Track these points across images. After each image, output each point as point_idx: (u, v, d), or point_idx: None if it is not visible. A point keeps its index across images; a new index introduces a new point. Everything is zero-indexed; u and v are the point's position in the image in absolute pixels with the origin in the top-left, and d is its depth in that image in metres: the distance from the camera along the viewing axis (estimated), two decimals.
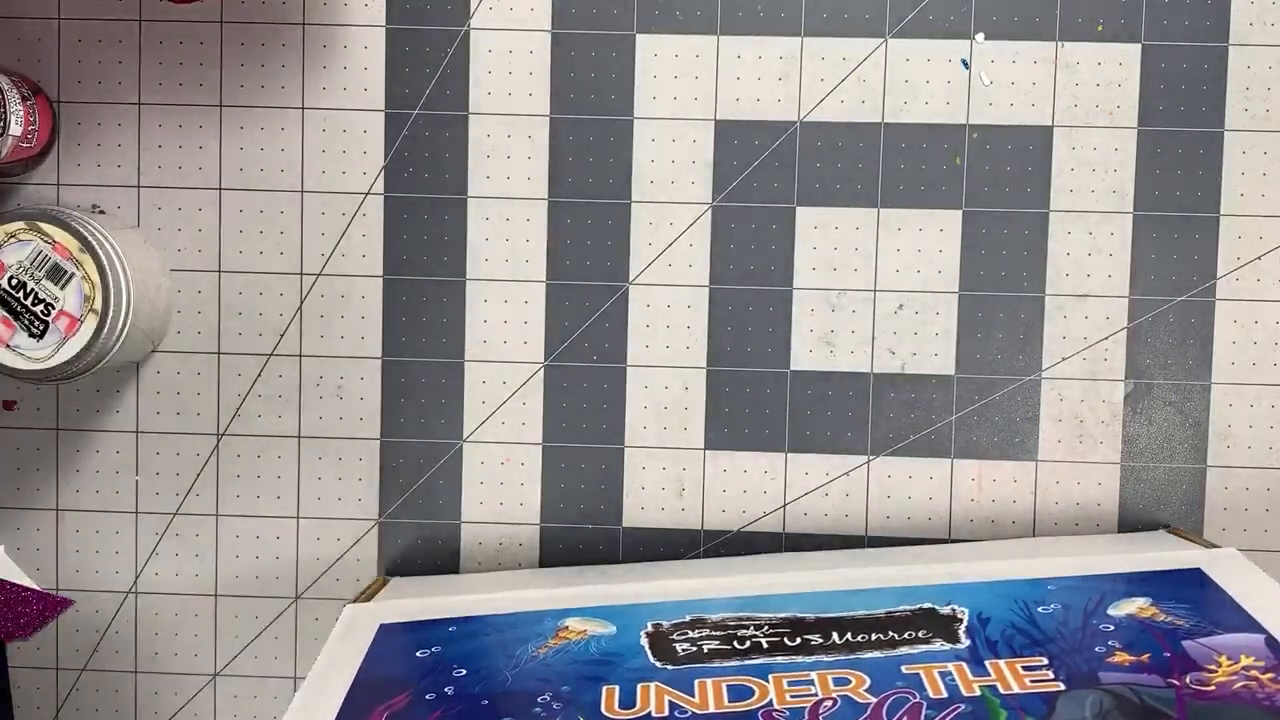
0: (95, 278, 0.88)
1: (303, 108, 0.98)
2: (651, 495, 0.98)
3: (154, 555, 0.99)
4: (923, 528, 0.98)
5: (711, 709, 0.70)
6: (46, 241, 0.88)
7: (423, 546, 0.99)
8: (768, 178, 0.97)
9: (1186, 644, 0.73)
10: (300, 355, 0.99)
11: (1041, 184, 0.97)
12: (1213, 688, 0.68)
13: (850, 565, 0.89)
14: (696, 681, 0.74)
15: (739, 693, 0.72)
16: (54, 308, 0.88)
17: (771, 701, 0.71)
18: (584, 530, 0.98)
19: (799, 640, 0.78)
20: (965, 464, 0.98)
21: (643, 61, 0.97)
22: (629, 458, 0.98)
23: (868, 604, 0.82)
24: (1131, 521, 0.97)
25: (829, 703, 0.70)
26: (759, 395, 0.98)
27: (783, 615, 0.81)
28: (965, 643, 0.76)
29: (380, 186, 0.98)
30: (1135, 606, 0.78)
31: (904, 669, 0.73)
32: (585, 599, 0.85)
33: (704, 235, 0.98)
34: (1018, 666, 0.73)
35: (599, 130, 0.97)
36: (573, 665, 0.76)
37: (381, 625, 0.83)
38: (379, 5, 0.98)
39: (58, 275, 0.88)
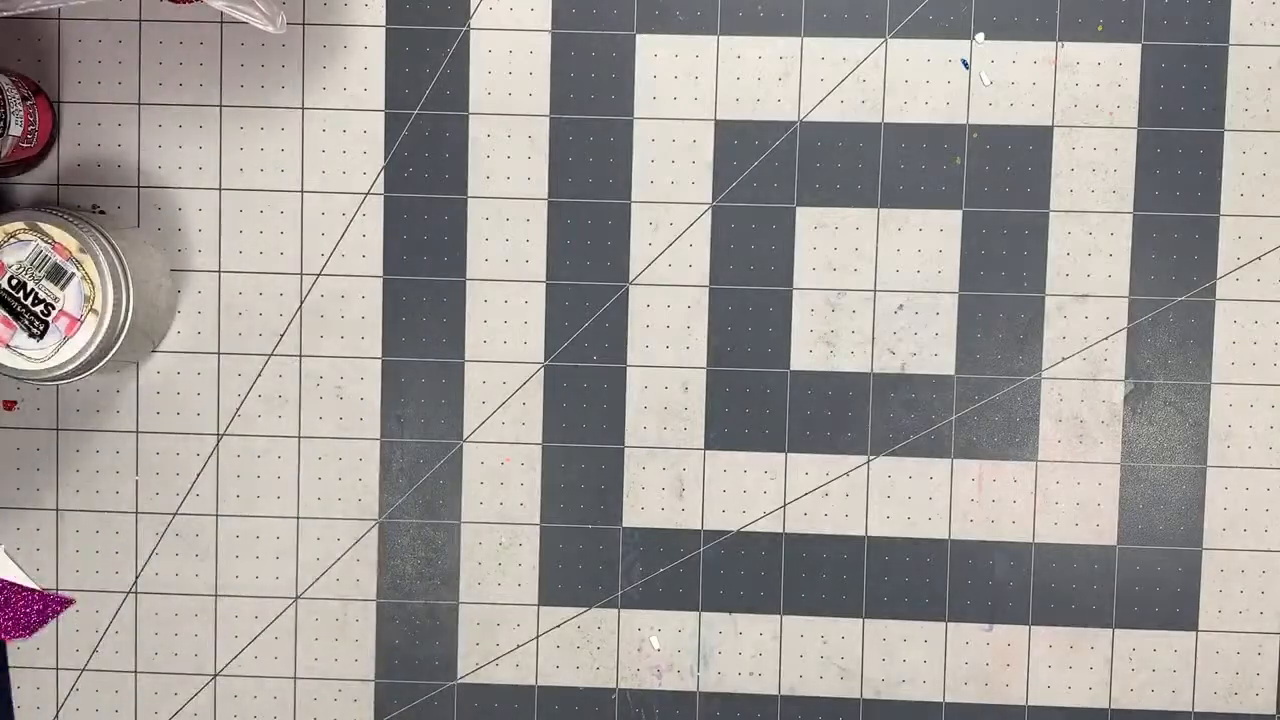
0: (95, 278, 0.88)
1: (303, 108, 0.98)
2: (651, 495, 0.98)
3: (154, 555, 0.99)
4: (923, 528, 0.98)
5: None
6: (46, 241, 0.88)
7: (423, 546, 0.99)
8: (768, 178, 0.97)
9: None
10: (300, 355, 0.99)
11: (1041, 184, 0.97)
12: None
13: None
14: None
15: None
16: (54, 308, 0.88)
17: None
18: (584, 530, 0.98)
19: None
20: (965, 464, 0.98)
21: (643, 61, 0.97)
22: (629, 458, 0.98)
23: None
24: (1132, 522, 0.97)
25: None
26: (759, 395, 0.98)
27: None
28: None
29: (380, 186, 0.98)
30: None
31: None
32: None
33: (704, 235, 0.98)
34: None
35: (599, 130, 0.97)
36: None
37: None
38: (379, 5, 0.97)
39: (58, 275, 0.88)
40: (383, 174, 0.98)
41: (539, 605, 0.99)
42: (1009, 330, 0.97)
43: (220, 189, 0.98)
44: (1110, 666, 0.98)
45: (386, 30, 0.98)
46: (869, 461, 0.98)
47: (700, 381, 0.98)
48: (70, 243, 0.88)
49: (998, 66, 0.96)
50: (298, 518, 0.99)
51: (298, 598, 0.99)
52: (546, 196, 0.98)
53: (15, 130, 0.92)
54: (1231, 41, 0.96)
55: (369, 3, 0.98)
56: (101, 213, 0.98)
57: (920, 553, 0.98)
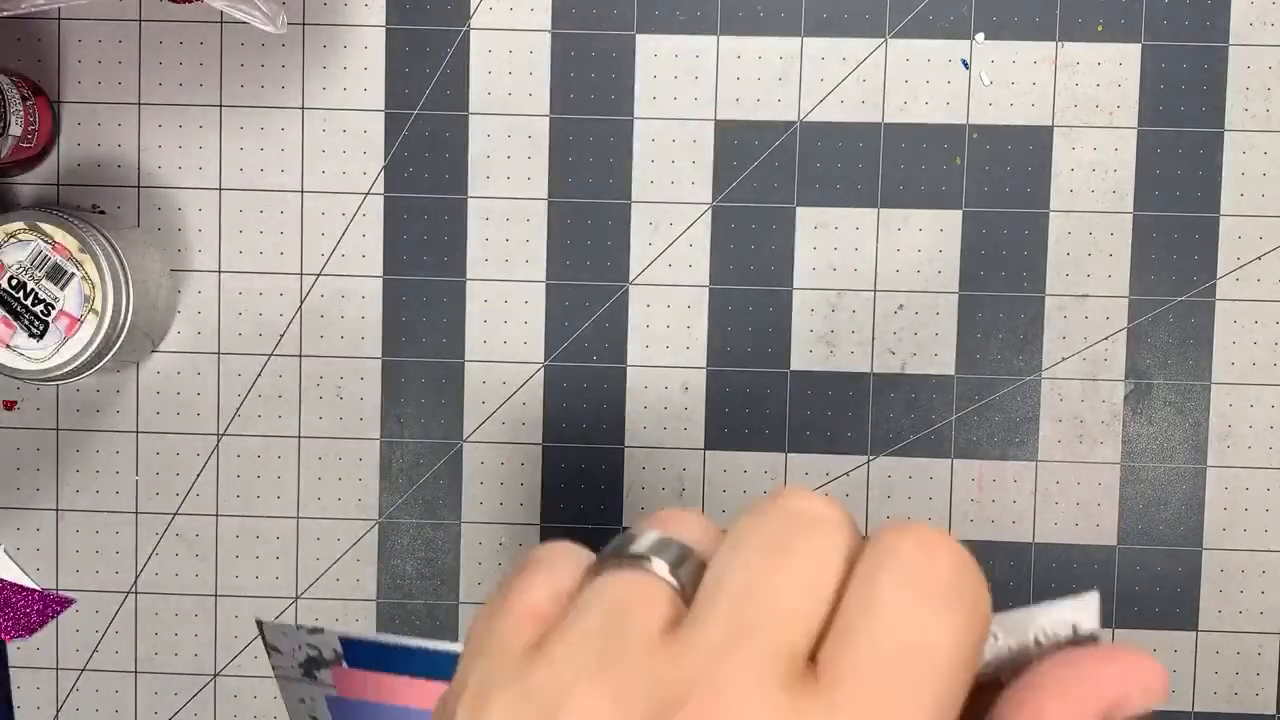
0: (95, 278, 0.88)
1: (303, 108, 0.98)
2: (651, 495, 0.98)
3: (154, 555, 0.99)
4: None
5: None
6: (46, 241, 0.88)
7: (423, 546, 0.99)
8: (768, 178, 0.97)
9: None
10: (300, 355, 0.99)
11: (1041, 184, 0.97)
12: None
13: None
14: None
15: None
16: (54, 308, 0.88)
17: None
18: (584, 530, 0.98)
19: None
20: (965, 464, 0.98)
21: (643, 61, 0.97)
22: (629, 458, 0.98)
23: None
24: (1132, 522, 0.97)
25: None
26: (759, 395, 0.98)
27: None
28: None
29: (380, 186, 0.98)
30: None
31: None
32: None
33: (704, 235, 0.98)
34: None
35: (599, 130, 0.97)
36: None
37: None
38: (379, 5, 0.97)
39: (58, 275, 0.88)
40: (383, 174, 0.98)
41: None
42: (1009, 330, 0.97)
43: (220, 189, 0.98)
44: None
45: (386, 30, 0.98)
46: (869, 461, 0.98)
47: (700, 381, 0.98)
48: (70, 243, 0.88)
49: (998, 66, 0.96)
50: (298, 518, 0.99)
51: (298, 598, 0.99)
52: (546, 196, 0.98)
53: (15, 130, 0.92)
54: (1231, 41, 0.96)
55: (369, 3, 0.97)
56: (101, 213, 0.98)
57: None
